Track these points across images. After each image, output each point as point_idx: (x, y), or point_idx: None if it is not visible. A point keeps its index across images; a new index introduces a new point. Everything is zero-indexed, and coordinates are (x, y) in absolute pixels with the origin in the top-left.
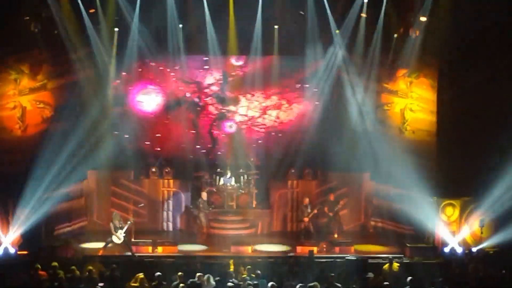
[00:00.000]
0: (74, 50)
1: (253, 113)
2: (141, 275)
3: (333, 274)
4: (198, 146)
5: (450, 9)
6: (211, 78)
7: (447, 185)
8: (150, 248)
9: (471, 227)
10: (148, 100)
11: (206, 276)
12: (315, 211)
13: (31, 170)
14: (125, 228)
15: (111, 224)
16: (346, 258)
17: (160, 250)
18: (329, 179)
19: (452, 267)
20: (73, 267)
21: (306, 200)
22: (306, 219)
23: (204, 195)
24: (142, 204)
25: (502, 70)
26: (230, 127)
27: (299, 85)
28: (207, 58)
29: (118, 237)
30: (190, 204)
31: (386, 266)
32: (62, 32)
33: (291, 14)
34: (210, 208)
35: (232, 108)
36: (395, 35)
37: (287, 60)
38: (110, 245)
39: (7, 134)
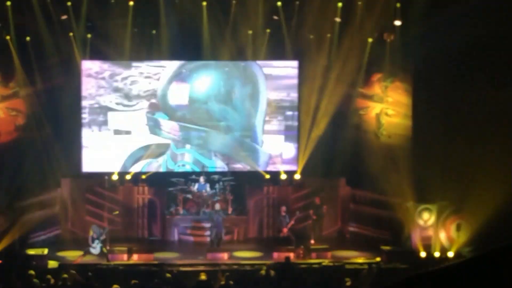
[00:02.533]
0: (46, 58)
1: None
2: (116, 286)
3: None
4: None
5: (425, 13)
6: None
7: (423, 190)
8: (125, 256)
9: (448, 231)
10: None
11: None
12: (297, 215)
13: (4, 178)
14: (102, 237)
15: (89, 237)
16: (323, 264)
17: (135, 258)
18: (305, 185)
19: None
20: (48, 276)
21: (283, 209)
22: (285, 230)
23: (217, 206)
24: (117, 212)
25: (478, 73)
26: None
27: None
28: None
29: (95, 248)
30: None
31: (365, 271)
32: (34, 39)
33: (264, 19)
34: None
35: None
36: (370, 40)
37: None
38: (87, 254)
39: None
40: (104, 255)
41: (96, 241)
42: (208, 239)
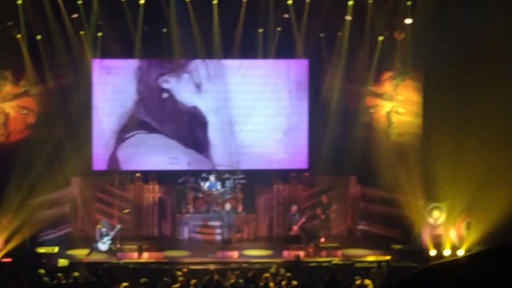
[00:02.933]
0: (57, 56)
1: None
2: (125, 283)
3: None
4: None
5: (435, 11)
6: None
7: (433, 188)
8: (135, 254)
9: (458, 229)
10: None
11: None
12: (307, 213)
13: (15, 177)
14: (112, 234)
15: (97, 231)
16: (333, 262)
17: (145, 256)
18: (315, 183)
19: None
20: (59, 274)
21: (294, 208)
22: (295, 228)
23: (227, 206)
24: (127, 210)
25: (489, 72)
26: None
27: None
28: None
29: (103, 244)
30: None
31: (375, 270)
32: (45, 37)
33: (275, 18)
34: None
35: None
36: (380, 38)
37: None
38: (94, 251)
39: None
40: (112, 253)
41: (106, 237)
42: (218, 237)
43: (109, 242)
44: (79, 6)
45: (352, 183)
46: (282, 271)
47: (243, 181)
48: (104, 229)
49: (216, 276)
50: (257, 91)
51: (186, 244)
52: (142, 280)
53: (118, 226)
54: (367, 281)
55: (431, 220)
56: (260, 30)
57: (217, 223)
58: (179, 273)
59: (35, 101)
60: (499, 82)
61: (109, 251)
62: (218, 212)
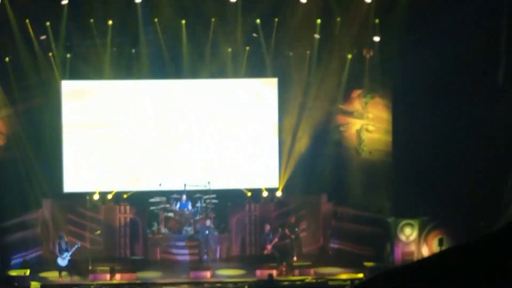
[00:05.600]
0: (26, 78)
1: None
2: None
3: None
4: None
5: (403, 28)
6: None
7: (405, 205)
8: (108, 276)
9: (430, 246)
10: None
11: None
12: (280, 232)
13: None
14: (72, 251)
15: (56, 246)
16: (306, 280)
17: (118, 278)
18: (287, 202)
19: None
20: None
21: (267, 227)
22: (269, 247)
23: (208, 222)
24: (99, 231)
25: (456, 88)
26: None
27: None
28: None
29: (63, 259)
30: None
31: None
32: (14, 59)
33: (244, 37)
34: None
35: None
36: (349, 56)
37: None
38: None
39: None
40: (70, 270)
41: (66, 253)
42: (189, 257)
43: (68, 258)
44: (47, 28)
45: (324, 201)
46: None
47: (214, 200)
48: (63, 243)
49: None
50: (226, 111)
51: (159, 265)
52: None
53: (78, 244)
54: None
55: (403, 237)
56: (229, 50)
57: (190, 243)
58: None
59: (4, 123)
60: (467, 97)
61: (67, 266)
62: (200, 229)
